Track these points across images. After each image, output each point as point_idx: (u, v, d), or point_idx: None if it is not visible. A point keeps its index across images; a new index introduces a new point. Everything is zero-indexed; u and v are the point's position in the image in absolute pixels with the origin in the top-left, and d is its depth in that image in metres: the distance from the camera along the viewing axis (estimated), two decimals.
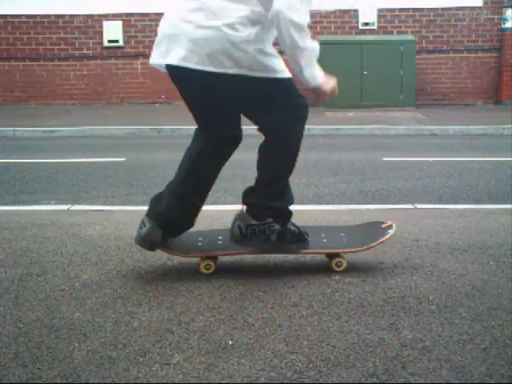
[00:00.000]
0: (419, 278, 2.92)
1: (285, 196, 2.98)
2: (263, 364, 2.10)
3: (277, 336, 2.31)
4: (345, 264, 3.01)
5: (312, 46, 2.72)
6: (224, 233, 3.14)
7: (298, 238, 2.99)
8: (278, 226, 2.93)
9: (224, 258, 3.23)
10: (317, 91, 2.85)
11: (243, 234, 2.92)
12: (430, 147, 8.43)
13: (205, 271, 2.97)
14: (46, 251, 3.35)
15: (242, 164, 7.13)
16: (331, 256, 3.05)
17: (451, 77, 12.64)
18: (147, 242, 2.94)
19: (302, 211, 4.40)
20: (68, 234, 3.69)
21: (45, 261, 3.20)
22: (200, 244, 3.08)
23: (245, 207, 2.98)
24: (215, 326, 2.40)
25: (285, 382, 2.00)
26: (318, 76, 2.80)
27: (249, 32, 2.66)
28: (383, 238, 3.04)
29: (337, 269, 3.00)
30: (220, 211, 4.36)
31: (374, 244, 3.02)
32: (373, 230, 3.17)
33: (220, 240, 3.11)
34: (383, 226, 3.16)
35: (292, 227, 3.00)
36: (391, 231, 3.08)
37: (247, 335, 2.32)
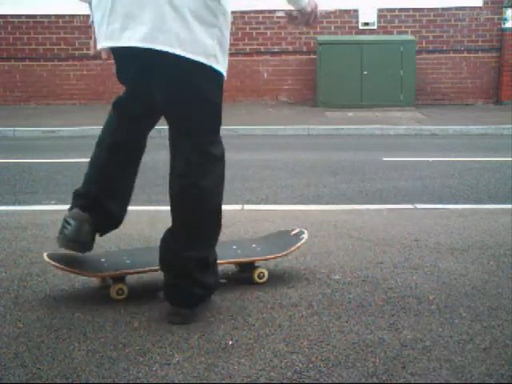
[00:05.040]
0: (419, 278, 2.92)
1: None
2: (263, 364, 2.10)
3: (277, 336, 2.31)
4: (267, 275, 2.88)
5: None
6: (128, 252, 3.01)
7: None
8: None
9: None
10: (307, 10, 2.54)
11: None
12: (430, 147, 8.43)
13: (117, 297, 2.66)
14: (46, 251, 3.34)
15: (242, 164, 7.14)
16: (251, 268, 2.89)
17: (451, 77, 12.64)
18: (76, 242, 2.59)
19: (302, 211, 4.41)
20: None
21: (45, 261, 3.19)
22: (105, 264, 2.76)
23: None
24: (215, 325, 2.40)
25: (285, 382, 2.00)
26: None
27: None
28: (299, 243, 2.95)
29: (259, 280, 2.86)
30: None
31: (290, 250, 2.92)
32: (284, 238, 3.08)
33: (127, 259, 2.84)
34: (293, 233, 3.08)
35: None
36: (305, 236, 3.01)
37: (247, 335, 2.32)
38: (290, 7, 2.58)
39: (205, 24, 2.29)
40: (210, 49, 2.31)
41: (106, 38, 2.36)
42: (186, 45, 2.27)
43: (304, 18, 2.60)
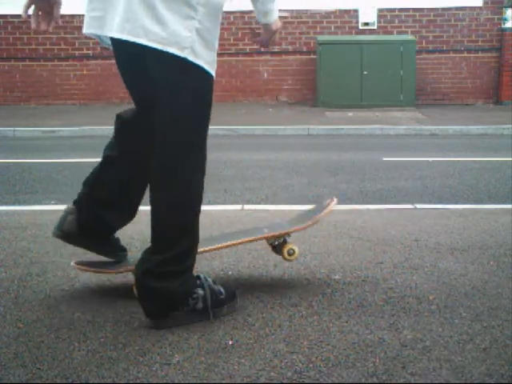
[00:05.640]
0: (419, 278, 2.92)
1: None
2: (263, 364, 2.10)
3: (277, 336, 2.31)
4: (297, 251, 2.76)
5: None
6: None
7: (228, 297, 2.51)
8: (201, 291, 2.43)
9: (224, 259, 3.23)
10: (272, 28, 2.58)
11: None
12: (430, 147, 8.44)
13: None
14: (46, 251, 3.35)
15: (242, 164, 7.13)
16: (280, 245, 2.78)
17: (451, 77, 12.64)
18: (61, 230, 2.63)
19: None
20: None
21: (45, 261, 3.20)
22: (132, 260, 2.73)
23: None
24: (215, 326, 2.40)
25: (285, 382, 1.99)
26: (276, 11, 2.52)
27: None
28: (326, 210, 2.82)
29: (289, 257, 2.78)
30: (220, 211, 4.36)
31: (317, 218, 2.79)
32: (314, 209, 3.00)
33: None
34: (325, 203, 2.94)
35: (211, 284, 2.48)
36: (333, 203, 2.87)
37: (247, 335, 2.32)
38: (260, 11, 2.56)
39: (178, 15, 2.17)
40: (185, 40, 2.19)
41: (88, 25, 2.34)
42: (152, 34, 2.17)
43: (267, 36, 2.62)
